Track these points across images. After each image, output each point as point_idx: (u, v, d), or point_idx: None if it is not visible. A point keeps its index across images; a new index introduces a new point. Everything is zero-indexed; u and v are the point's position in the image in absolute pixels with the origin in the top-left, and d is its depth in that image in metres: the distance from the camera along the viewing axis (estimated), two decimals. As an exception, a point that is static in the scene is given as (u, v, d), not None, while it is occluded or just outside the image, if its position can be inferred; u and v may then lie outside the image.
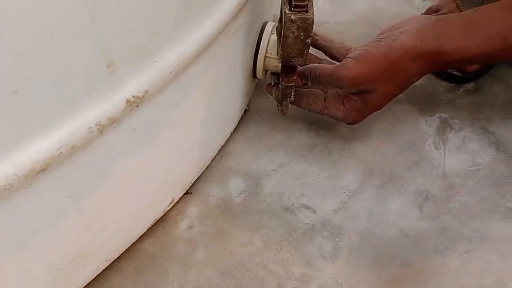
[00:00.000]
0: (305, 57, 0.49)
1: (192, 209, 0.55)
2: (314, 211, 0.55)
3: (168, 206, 0.52)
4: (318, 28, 0.77)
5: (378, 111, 0.56)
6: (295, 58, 0.49)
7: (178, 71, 0.39)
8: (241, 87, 0.57)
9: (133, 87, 0.35)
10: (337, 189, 0.57)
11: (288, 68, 0.52)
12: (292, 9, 0.47)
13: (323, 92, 0.57)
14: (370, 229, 0.53)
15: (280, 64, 0.52)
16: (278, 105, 0.58)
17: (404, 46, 0.51)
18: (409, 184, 0.57)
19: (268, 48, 0.56)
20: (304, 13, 0.46)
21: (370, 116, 0.57)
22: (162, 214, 0.53)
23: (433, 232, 0.52)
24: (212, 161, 0.59)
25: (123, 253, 0.50)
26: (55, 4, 0.27)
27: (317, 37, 0.62)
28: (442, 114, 0.64)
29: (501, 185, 0.57)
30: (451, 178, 0.57)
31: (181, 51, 0.38)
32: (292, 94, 0.55)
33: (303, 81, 0.56)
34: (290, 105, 0.57)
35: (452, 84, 0.68)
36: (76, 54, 0.30)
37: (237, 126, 0.62)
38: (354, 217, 0.54)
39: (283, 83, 0.53)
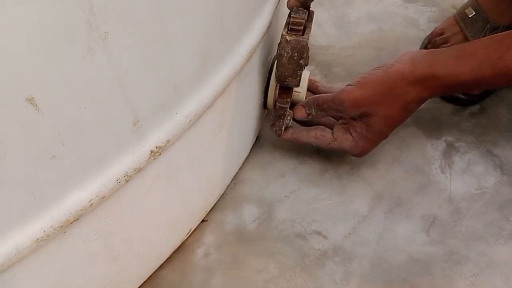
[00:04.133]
0: (298, 78, 0.52)
1: (209, 237, 0.58)
2: (326, 237, 0.57)
3: (186, 236, 0.55)
4: (325, 52, 0.80)
5: (385, 140, 0.58)
6: (289, 78, 0.52)
7: (197, 119, 0.41)
8: (253, 118, 0.59)
9: (156, 138, 0.38)
10: (347, 215, 0.59)
11: (283, 88, 0.56)
12: (289, 31, 0.50)
13: (329, 129, 0.59)
14: (379, 254, 0.55)
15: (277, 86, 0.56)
16: (271, 126, 0.59)
17: (399, 71, 0.54)
18: (416, 208, 0.59)
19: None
20: (300, 36, 0.50)
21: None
22: (181, 243, 0.55)
23: (440, 257, 0.55)
24: (226, 188, 0.61)
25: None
26: (87, 76, 0.29)
27: (318, 84, 0.64)
28: (448, 137, 0.66)
29: (506, 208, 0.59)
30: (457, 202, 0.59)
31: (200, 100, 0.41)
32: (288, 118, 0.58)
33: (307, 111, 0.58)
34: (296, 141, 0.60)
35: (458, 107, 0.70)
36: (106, 117, 0.32)
37: (249, 153, 0.65)
38: (364, 243, 0.56)
39: (277, 104, 0.56)
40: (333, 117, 0.61)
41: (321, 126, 0.60)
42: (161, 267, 0.54)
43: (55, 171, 0.31)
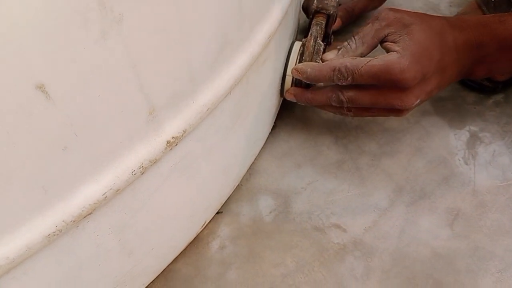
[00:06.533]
0: None
1: (224, 229, 0.56)
2: (345, 230, 0.55)
3: (201, 228, 0.53)
4: (342, 38, 0.77)
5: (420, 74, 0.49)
6: None
7: (214, 107, 0.39)
8: (270, 106, 0.57)
9: (172, 128, 0.36)
10: (367, 207, 0.57)
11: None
12: None
13: None
14: (401, 248, 0.53)
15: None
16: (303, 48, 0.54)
17: (433, 15, 0.51)
18: (439, 201, 0.57)
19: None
20: None
21: (396, 133, 0.57)
22: (195, 235, 0.54)
23: (465, 252, 0.52)
24: (241, 179, 0.59)
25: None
26: (100, 62, 0.28)
27: None
28: (471, 127, 0.64)
29: (532, 201, 0.56)
30: (482, 195, 0.57)
31: (217, 88, 0.39)
32: (320, 44, 0.53)
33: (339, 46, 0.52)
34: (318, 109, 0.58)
35: (481, 95, 0.67)
36: (120, 106, 0.30)
37: (265, 143, 0.63)
38: (385, 237, 0.54)
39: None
40: None
41: None
42: (175, 260, 0.53)
43: (67, 164, 0.29)
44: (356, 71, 0.47)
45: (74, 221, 0.32)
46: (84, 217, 0.33)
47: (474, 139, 0.63)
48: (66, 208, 0.31)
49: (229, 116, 0.45)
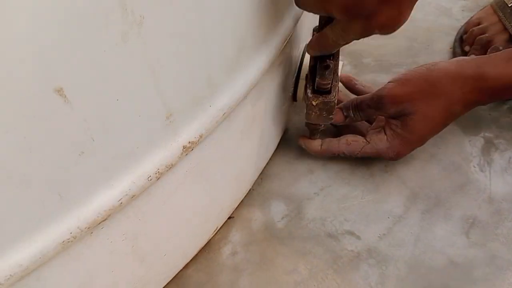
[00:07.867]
0: (330, 121, 0.52)
1: (235, 234, 0.55)
2: (359, 238, 0.54)
3: (213, 234, 0.53)
4: (355, 43, 0.76)
5: (420, 146, 0.56)
6: (321, 125, 0.53)
7: (230, 112, 0.39)
8: (282, 110, 0.56)
9: (189, 133, 0.35)
10: (381, 214, 0.56)
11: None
12: (314, 93, 0.47)
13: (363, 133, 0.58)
14: (417, 256, 0.52)
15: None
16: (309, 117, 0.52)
17: (444, 69, 0.52)
18: (455, 208, 0.56)
19: (309, 71, 0.55)
20: (326, 95, 0.47)
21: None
22: (207, 241, 0.53)
23: (481, 260, 0.51)
24: (253, 184, 0.59)
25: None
26: (120, 65, 0.27)
27: (356, 82, 0.63)
28: (486, 134, 0.63)
29: (550, 210, 0.55)
30: (498, 203, 0.56)
31: (234, 92, 0.38)
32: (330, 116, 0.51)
33: (345, 113, 0.56)
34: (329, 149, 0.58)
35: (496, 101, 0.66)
36: (138, 110, 0.30)
37: (277, 147, 0.62)
38: (400, 244, 0.53)
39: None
40: (367, 121, 0.60)
41: (354, 131, 0.58)
42: (186, 266, 0.52)
43: (83, 169, 0.29)
44: (353, 156, 0.57)
45: (88, 228, 0.32)
46: (99, 223, 0.32)
47: (489, 146, 0.61)
48: (81, 214, 0.31)
49: (244, 120, 0.44)
